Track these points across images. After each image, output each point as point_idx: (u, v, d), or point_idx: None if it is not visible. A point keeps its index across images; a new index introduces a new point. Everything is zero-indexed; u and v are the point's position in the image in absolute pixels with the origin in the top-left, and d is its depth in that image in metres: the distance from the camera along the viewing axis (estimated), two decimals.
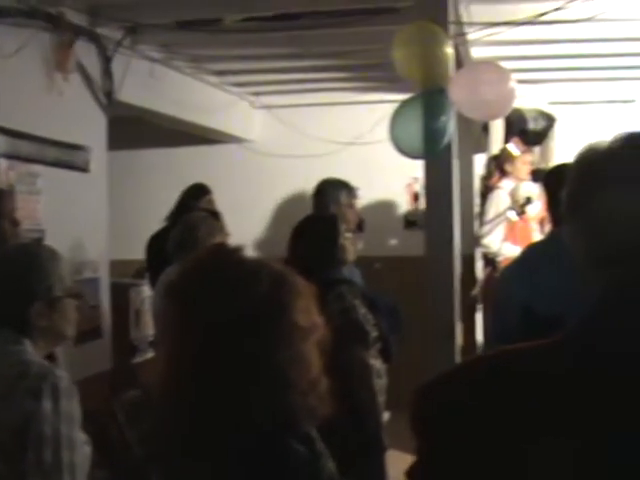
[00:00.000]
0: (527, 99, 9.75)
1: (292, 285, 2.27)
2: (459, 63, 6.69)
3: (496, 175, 9.09)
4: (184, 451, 2.20)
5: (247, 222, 9.86)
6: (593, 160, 1.65)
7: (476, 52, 7.81)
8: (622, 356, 1.47)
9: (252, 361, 2.17)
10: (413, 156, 5.49)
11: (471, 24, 6.83)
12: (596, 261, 1.59)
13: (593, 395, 1.46)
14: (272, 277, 2.26)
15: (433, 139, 5.19)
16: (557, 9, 5.93)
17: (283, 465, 2.16)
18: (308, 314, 2.26)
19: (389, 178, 10.02)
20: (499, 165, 9.07)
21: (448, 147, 5.47)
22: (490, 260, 8.70)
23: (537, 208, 8.41)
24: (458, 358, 5.62)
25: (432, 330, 5.53)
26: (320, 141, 9.83)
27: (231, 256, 2.39)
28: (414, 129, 5.19)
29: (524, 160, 8.95)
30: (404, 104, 5.46)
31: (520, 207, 8.32)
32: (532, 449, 1.45)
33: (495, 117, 7.18)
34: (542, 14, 6.08)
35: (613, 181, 1.59)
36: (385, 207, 10.35)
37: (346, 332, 6.23)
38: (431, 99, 5.22)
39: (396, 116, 5.42)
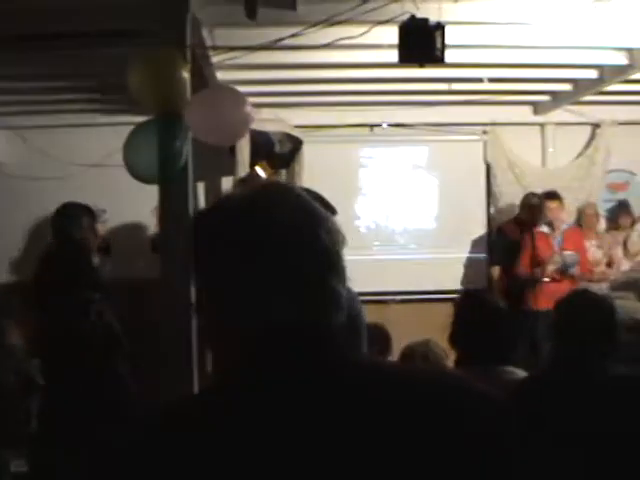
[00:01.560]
0: (274, 123, 9.89)
1: None
2: (205, 87, 6.67)
3: None
4: None
5: None
6: (207, 223, 1.64)
7: (223, 76, 7.84)
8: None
9: None
10: (148, 181, 5.40)
11: (214, 48, 6.85)
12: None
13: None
14: None
15: (168, 164, 5.12)
16: (293, 35, 6.01)
17: None
18: None
19: (136, 200, 9.86)
20: (242, 186, 9.10)
21: (184, 172, 5.43)
22: None
23: None
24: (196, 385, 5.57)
25: (166, 357, 5.46)
26: (66, 163, 9.58)
27: None
28: (148, 154, 5.10)
29: (270, 176, 9.02)
30: (138, 129, 5.37)
31: None
32: None
33: (230, 141, 7.18)
34: (279, 40, 6.14)
35: (223, 246, 1.59)
36: (133, 230, 10.19)
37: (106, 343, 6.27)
38: (166, 123, 5.15)
39: (130, 141, 5.32)
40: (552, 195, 9.53)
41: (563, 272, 9.15)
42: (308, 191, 4.69)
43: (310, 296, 1.57)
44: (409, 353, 5.02)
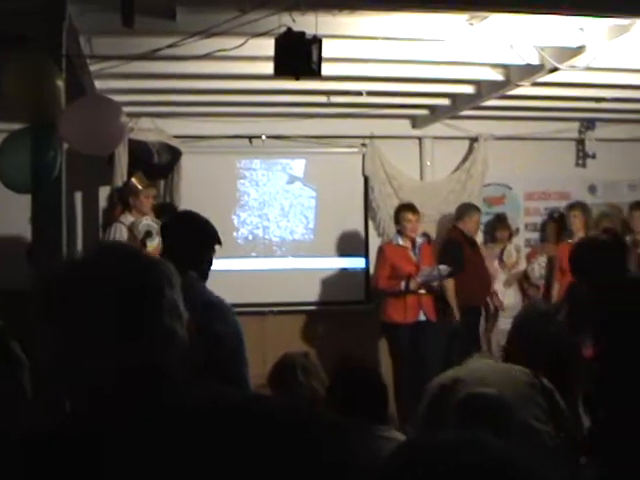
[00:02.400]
0: (153, 133, 9.80)
1: None
2: (82, 96, 6.57)
3: (119, 208, 9.00)
4: None
5: None
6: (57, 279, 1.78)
7: (101, 85, 7.74)
8: None
9: None
10: (21, 191, 5.28)
11: (91, 57, 6.75)
12: None
13: None
14: None
15: (41, 173, 5.02)
16: (171, 45, 5.97)
17: None
18: None
19: (12, 210, 9.66)
20: (122, 198, 8.98)
21: (58, 181, 5.32)
22: None
23: (155, 243, 8.41)
24: None
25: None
26: None
27: None
28: (21, 163, 4.99)
29: (147, 194, 8.90)
30: (11, 137, 5.26)
31: (141, 241, 8.26)
32: None
33: (105, 151, 7.06)
34: (156, 50, 6.09)
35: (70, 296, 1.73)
36: (8, 240, 9.95)
37: None
38: (39, 133, 5.05)
39: (2, 149, 5.19)
40: (410, 207, 9.45)
41: (432, 285, 9.26)
42: (189, 214, 4.69)
43: (147, 338, 1.69)
44: (290, 363, 4.98)
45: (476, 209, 10.16)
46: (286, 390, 4.86)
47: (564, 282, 9.31)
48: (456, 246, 9.82)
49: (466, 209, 10.11)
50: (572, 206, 10.17)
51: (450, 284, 9.45)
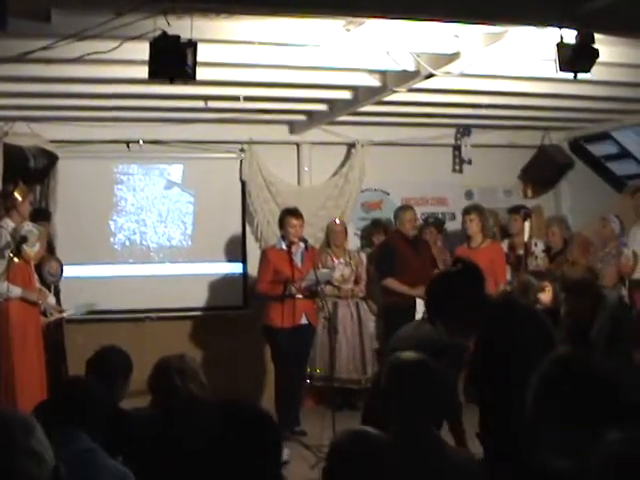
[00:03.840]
0: (28, 137, 9.62)
1: None
2: None
3: (1, 213, 8.77)
4: None
5: None
6: None
7: None
8: None
9: None
10: None
11: None
12: None
13: None
14: None
15: None
16: (44, 48, 5.87)
17: None
18: None
19: None
20: (1, 204, 8.75)
21: None
22: None
23: (35, 248, 8.27)
24: None
25: None
26: None
27: None
28: None
29: (26, 199, 8.70)
30: None
31: (16, 245, 8.09)
32: None
33: None
34: (30, 52, 5.98)
35: None
36: None
37: None
38: None
39: None
40: (294, 212, 9.36)
41: (312, 289, 9.29)
42: None
43: None
44: (165, 366, 4.94)
45: (407, 208, 10.23)
46: (163, 394, 4.83)
47: None
48: (385, 250, 10.00)
49: (398, 210, 10.25)
50: (467, 210, 10.21)
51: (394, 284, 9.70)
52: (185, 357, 5.07)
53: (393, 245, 10.00)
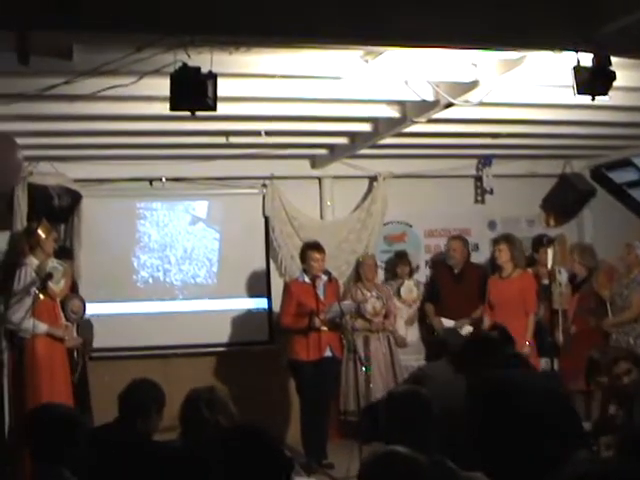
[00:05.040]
0: (52, 176, 9.71)
1: None
2: None
3: (26, 250, 8.84)
4: None
5: None
6: None
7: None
8: None
9: None
10: None
11: None
12: None
13: None
14: None
15: None
16: (66, 82, 5.94)
17: None
18: None
19: None
20: (26, 241, 8.82)
21: None
22: (16, 337, 8.41)
23: (61, 285, 8.36)
24: None
25: None
26: None
27: None
28: None
29: (50, 237, 8.78)
30: None
31: (42, 281, 8.17)
32: None
33: (3, 187, 6.94)
34: (52, 87, 6.06)
35: None
36: None
37: None
38: None
39: None
40: (316, 246, 9.46)
41: (335, 322, 9.31)
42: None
43: None
44: (194, 398, 4.94)
45: (455, 238, 10.57)
46: (192, 426, 4.83)
47: (493, 317, 9.63)
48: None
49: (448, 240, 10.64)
50: (497, 240, 10.28)
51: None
52: (214, 389, 5.08)
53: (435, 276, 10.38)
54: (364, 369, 9.40)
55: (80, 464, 3.90)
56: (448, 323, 10.13)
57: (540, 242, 10.33)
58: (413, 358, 10.35)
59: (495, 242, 10.31)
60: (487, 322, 9.80)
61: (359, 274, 10.38)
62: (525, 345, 9.33)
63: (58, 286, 8.39)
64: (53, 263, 8.43)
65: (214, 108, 5.47)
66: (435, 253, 11.27)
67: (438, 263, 10.92)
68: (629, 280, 9.12)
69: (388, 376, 9.95)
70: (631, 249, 9.24)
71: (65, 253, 9.36)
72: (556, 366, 9.01)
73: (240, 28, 5.09)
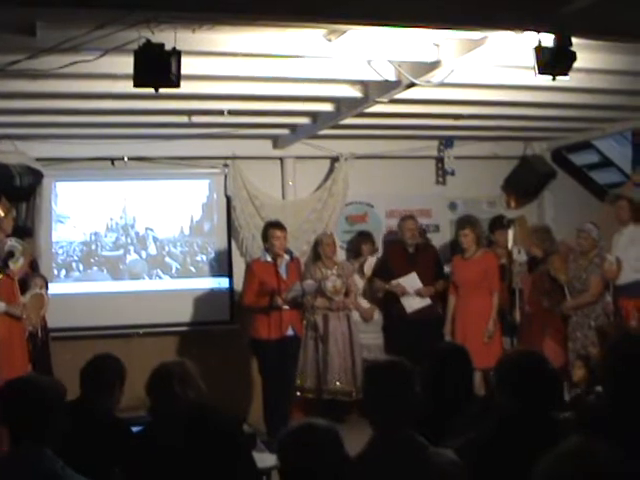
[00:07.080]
0: (13, 155, 9.65)
1: None
2: None
3: None
4: None
5: None
6: None
7: None
8: None
9: None
10: None
11: None
12: None
13: None
14: None
15: None
16: (27, 58, 5.91)
17: None
18: None
19: None
20: None
21: None
22: None
23: (19, 264, 8.31)
24: None
25: None
26: None
27: None
28: None
29: (9, 215, 8.70)
30: None
31: (3, 261, 8.12)
32: None
33: None
34: (13, 63, 6.02)
35: None
36: None
37: None
38: None
39: None
40: (278, 224, 9.47)
41: (297, 301, 9.36)
42: None
43: None
44: (165, 373, 4.92)
45: (408, 217, 10.56)
46: (162, 401, 4.83)
47: (458, 296, 9.98)
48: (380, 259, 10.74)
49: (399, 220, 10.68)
50: (461, 225, 10.41)
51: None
52: (185, 364, 5.06)
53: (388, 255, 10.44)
54: None
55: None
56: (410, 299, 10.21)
57: (497, 223, 10.45)
58: (372, 337, 10.42)
59: (459, 227, 10.44)
60: (452, 301, 10.02)
61: (318, 253, 10.38)
62: (491, 323, 9.69)
63: (17, 265, 8.32)
64: (12, 241, 8.37)
65: (177, 85, 5.47)
66: (387, 233, 11.33)
67: (392, 243, 10.96)
68: (587, 263, 9.19)
69: (346, 354, 9.98)
70: (585, 233, 9.24)
71: (25, 232, 9.31)
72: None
73: (203, 5, 5.08)
